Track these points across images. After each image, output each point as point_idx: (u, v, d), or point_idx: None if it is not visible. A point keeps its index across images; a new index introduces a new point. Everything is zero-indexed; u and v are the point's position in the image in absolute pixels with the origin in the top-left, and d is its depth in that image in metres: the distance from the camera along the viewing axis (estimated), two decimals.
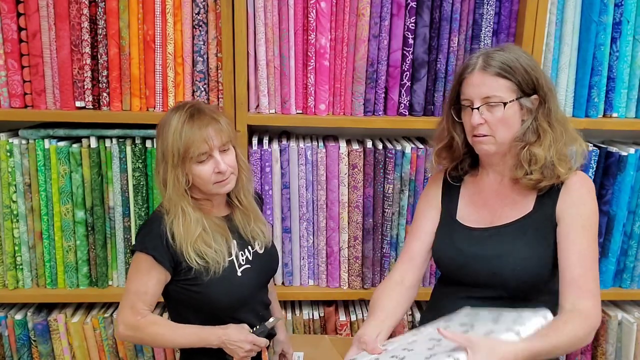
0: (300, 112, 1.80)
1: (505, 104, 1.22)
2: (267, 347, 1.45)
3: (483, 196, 1.36)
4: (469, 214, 1.37)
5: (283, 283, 1.92)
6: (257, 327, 1.41)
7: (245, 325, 1.40)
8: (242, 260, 1.42)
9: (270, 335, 1.45)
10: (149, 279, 1.33)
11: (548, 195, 1.28)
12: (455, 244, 1.34)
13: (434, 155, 1.40)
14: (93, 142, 1.76)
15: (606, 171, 1.85)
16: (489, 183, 1.36)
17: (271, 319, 1.45)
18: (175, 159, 1.31)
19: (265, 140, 1.81)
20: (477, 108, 1.23)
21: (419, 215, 1.46)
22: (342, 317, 1.96)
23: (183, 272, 1.34)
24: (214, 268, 1.34)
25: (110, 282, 1.88)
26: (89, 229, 1.82)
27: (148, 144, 1.78)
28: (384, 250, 1.90)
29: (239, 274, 1.40)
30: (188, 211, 1.34)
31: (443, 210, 1.41)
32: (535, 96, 1.25)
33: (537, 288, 1.28)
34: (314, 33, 1.72)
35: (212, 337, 1.35)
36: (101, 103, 1.75)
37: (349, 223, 1.86)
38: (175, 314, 1.43)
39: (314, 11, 1.70)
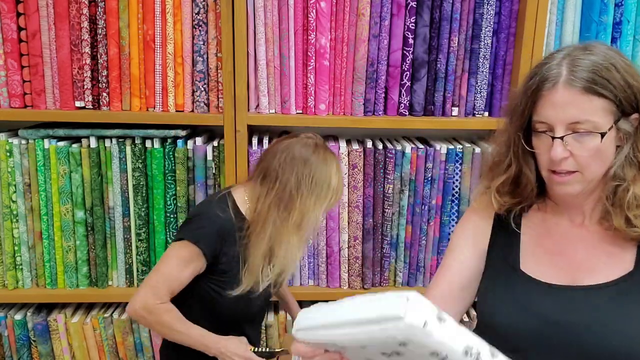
0: (300, 112, 1.80)
1: (602, 134, 0.89)
2: None
3: (557, 241, 1.02)
4: (537, 264, 1.01)
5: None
6: (261, 349, 1.40)
7: (244, 339, 1.39)
8: (266, 277, 1.41)
9: (270, 356, 1.42)
10: (186, 269, 1.32)
11: None
12: (528, 305, 0.97)
13: (493, 193, 1.04)
14: (93, 142, 1.76)
15: None
16: (564, 224, 1.02)
17: (278, 349, 1.44)
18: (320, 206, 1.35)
19: (265, 140, 1.80)
20: (561, 138, 0.90)
21: (449, 253, 1.12)
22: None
23: (217, 273, 1.33)
24: (247, 287, 1.36)
25: (110, 282, 1.88)
26: (89, 229, 1.82)
27: (148, 144, 1.78)
28: (384, 251, 1.90)
29: (260, 290, 1.40)
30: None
31: (494, 255, 1.06)
32: (635, 115, 0.92)
33: None
34: (314, 33, 1.72)
35: (212, 346, 1.33)
36: (101, 103, 1.74)
37: (349, 223, 1.86)
38: (184, 306, 1.39)
39: (314, 11, 1.70)
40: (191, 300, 1.40)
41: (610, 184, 0.94)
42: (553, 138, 0.91)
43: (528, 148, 0.97)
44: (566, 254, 0.99)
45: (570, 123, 0.89)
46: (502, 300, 1.00)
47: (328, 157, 1.36)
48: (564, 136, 0.90)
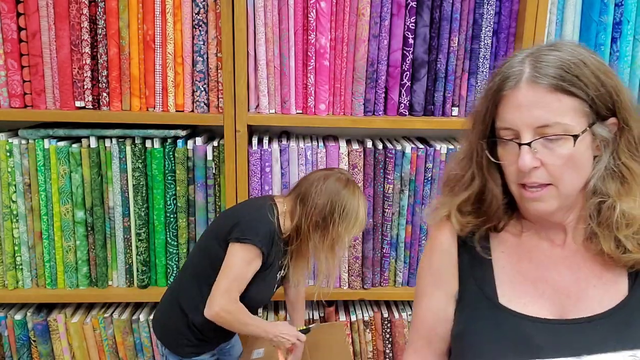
0: (300, 112, 1.80)
1: (575, 137, 0.78)
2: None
3: (537, 266, 0.88)
4: (518, 295, 0.87)
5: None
6: (305, 327, 1.67)
7: (287, 323, 1.66)
8: (280, 274, 1.61)
9: (307, 332, 1.69)
10: (251, 269, 1.49)
11: None
12: (514, 344, 0.83)
13: (454, 212, 0.90)
14: (93, 142, 1.76)
15: None
16: (543, 246, 0.89)
17: (313, 325, 1.69)
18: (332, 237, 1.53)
19: (265, 140, 1.80)
20: (529, 144, 0.79)
21: (419, 301, 0.97)
22: (342, 317, 1.96)
23: (261, 267, 1.51)
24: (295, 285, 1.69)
25: (110, 282, 1.88)
26: (89, 229, 1.82)
27: (148, 144, 1.78)
28: (384, 251, 1.90)
29: (277, 283, 1.62)
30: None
31: (467, 286, 0.91)
32: (613, 119, 0.81)
33: None
34: (314, 33, 1.72)
35: (270, 330, 1.53)
36: (101, 103, 1.74)
37: None
38: (204, 283, 1.53)
39: (314, 11, 1.70)
40: (207, 286, 1.51)
41: (592, 200, 0.82)
42: (520, 145, 0.79)
43: (493, 159, 0.84)
44: (550, 281, 0.86)
45: (537, 127, 0.78)
46: (483, 339, 0.85)
47: (356, 192, 1.54)
48: (531, 142, 0.78)
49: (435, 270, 0.94)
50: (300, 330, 1.63)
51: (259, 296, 1.55)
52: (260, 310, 1.92)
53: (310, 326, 1.68)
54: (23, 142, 1.75)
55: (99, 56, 1.71)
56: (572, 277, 0.85)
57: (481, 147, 0.85)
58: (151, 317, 1.89)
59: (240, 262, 1.48)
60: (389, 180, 1.83)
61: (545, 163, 0.79)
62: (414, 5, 1.71)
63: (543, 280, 0.86)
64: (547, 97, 0.78)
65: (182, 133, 1.79)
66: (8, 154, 1.75)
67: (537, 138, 0.78)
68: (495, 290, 0.87)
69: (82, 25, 1.68)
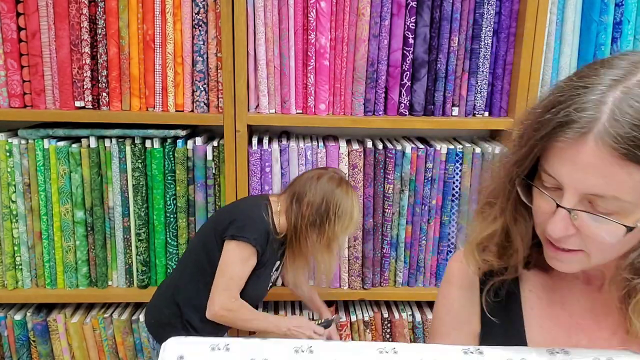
0: (300, 112, 1.79)
1: (629, 228, 0.60)
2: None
3: (572, 312, 0.76)
4: (549, 337, 0.76)
5: (283, 284, 1.92)
6: (322, 320, 1.66)
7: (304, 317, 1.69)
8: (275, 274, 1.65)
9: (328, 325, 1.69)
10: (247, 267, 1.51)
11: None
12: None
13: (472, 251, 0.77)
14: (92, 142, 1.76)
15: None
16: (578, 288, 0.77)
17: (333, 317, 1.68)
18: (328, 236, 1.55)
19: (265, 140, 1.80)
20: (569, 210, 0.62)
21: (434, 339, 0.87)
22: (342, 317, 1.96)
23: (256, 265, 1.54)
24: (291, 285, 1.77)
25: (109, 283, 1.88)
26: (89, 229, 1.82)
27: (147, 144, 1.78)
28: (384, 251, 1.89)
29: (271, 281, 1.65)
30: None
31: (490, 331, 0.79)
32: None
33: None
34: (314, 33, 1.72)
35: (282, 325, 1.55)
36: (101, 103, 1.74)
37: None
38: (201, 279, 1.55)
39: (314, 11, 1.70)
40: (203, 283, 1.54)
41: (623, 275, 0.66)
42: (557, 205, 0.63)
43: (523, 199, 0.68)
44: (586, 329, 0.74)
45: (587, 193, 0.60)
46: None
47: (350, 191, 1.56)
48: (572, 210, 0.62)
49: (453, 310, 0.84)
50: (320, 323, 1.63)
51: (253, 293, 1.57)
52: (260, 310, 1.91)
53: (333, 317, 1.67)
54: (23, 142, 1.75)
55: (98, 56, 1.71)
56: (611, 327, 0.73)
57: (509, 192, 0.71)
58: None
59: (237, 260, 1.49)
60: (389, 180, 1.83)
61: (582, 233, 0.63)
62: (414, 5, 1.71)
63: (579, 330, 0.75)
64: (614, 165, 0.58)
65: (182, 133, 1.79)
66: (8, 154, 1.74)
67: (581, 209, 0.61)
68: (524, 334, 0.76)
69: (81, 25, 1.68)
